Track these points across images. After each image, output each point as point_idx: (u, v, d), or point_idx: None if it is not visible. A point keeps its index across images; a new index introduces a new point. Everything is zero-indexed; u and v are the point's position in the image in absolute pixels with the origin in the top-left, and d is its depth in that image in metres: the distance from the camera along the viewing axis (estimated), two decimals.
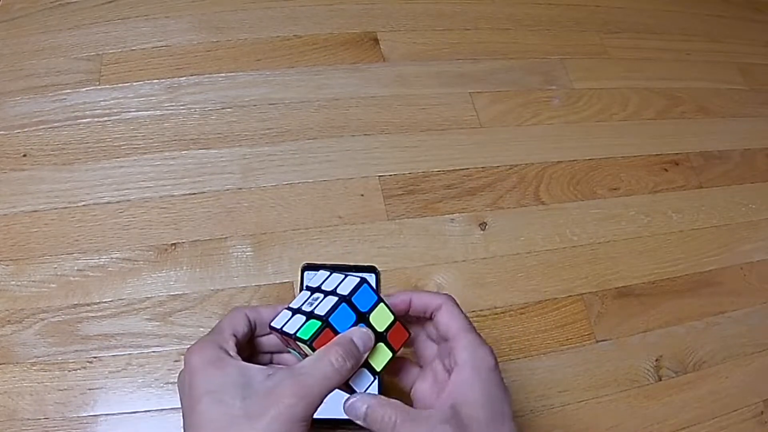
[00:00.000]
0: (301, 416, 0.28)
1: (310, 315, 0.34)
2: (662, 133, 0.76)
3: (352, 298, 0.34)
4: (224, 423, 0.28)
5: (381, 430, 0.31)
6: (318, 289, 0.36)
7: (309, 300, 0.36)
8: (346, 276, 0.36)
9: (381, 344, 0.35)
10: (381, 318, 0.35)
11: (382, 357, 0.35)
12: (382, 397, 0.32)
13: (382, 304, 0.35)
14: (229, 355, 0.32)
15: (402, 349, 0.36)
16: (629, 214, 0.67)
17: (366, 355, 0.33)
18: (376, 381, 0.35)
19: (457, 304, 0.36)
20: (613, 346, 0.58)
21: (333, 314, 0.33)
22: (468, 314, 0.59)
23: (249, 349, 0.37)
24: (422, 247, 0.60)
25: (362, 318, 0.34)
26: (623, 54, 0.82)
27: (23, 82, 0.64)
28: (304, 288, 0.38)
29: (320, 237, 0.59)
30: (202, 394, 0.29)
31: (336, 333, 0.33)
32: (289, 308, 0.36)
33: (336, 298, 0.34)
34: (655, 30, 0.87)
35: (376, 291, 0.35)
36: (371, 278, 0.55)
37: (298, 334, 0.33)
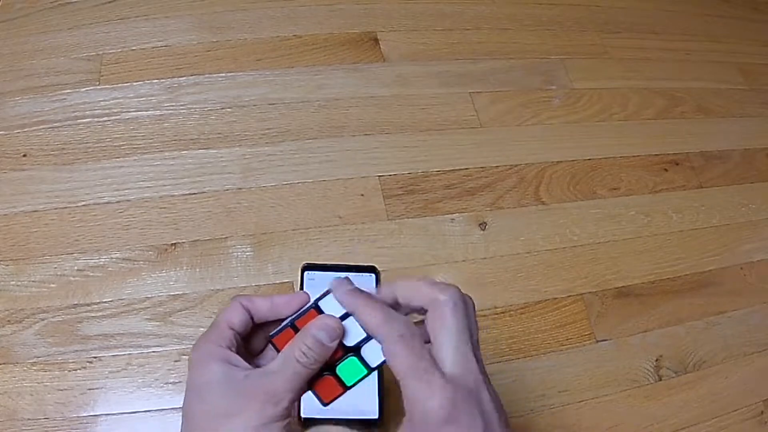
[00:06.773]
0: (272, 416, 0.29)
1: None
2: (662, 133, 0.76)
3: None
4: (202, 419, 0.30)
5: None
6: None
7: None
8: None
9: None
10: None
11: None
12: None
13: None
14: (226, 349, 0.32)
15: None
16: (629, 214, 0.67)
17: (335, 343, 0.32)
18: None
19: (457, 305, 0.30)
20: (613, 346, 0.58)
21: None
22: None
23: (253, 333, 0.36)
24: (422, 247, 0.60)
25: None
26: (623, 54, 0.82)
27: (23, 82, 0.64)
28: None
29: (320, 237, 0.59)
30: (189, 389, 0.31)
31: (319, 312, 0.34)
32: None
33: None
34: (655, 30, 0.87)
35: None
36: (371, 278, 0.55)
37: None
